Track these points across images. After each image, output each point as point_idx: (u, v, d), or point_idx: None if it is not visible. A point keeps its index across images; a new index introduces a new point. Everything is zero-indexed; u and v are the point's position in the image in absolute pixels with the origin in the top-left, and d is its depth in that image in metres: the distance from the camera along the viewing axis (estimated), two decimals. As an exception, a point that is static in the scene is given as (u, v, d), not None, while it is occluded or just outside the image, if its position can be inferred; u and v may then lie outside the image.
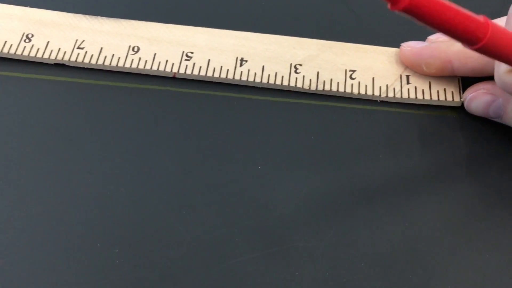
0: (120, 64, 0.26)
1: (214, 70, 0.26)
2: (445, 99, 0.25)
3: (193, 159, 0.24)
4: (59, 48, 0.26)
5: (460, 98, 0.25)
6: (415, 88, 0.26)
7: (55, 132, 0.24)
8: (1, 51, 0.26)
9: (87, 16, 0.27)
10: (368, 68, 0.26)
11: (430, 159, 0.24)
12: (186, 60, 0.26)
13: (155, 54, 0.26)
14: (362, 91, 0.26)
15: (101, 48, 0.26)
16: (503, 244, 0.22)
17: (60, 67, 0.26)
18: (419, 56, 0.25)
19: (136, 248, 0.21)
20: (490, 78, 0.24)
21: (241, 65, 0.26)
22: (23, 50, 0.26)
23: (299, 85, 0.26)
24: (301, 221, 0.22)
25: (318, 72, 0.26)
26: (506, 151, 0.24)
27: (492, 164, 0.24)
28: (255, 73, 0.26)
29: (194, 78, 0.26)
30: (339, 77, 0.26)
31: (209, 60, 0.26)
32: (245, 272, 0.21)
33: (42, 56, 0.26)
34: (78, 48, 0.26)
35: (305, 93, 0.26)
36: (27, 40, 0.26)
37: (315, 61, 0.26)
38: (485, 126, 0.25)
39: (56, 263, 0.21)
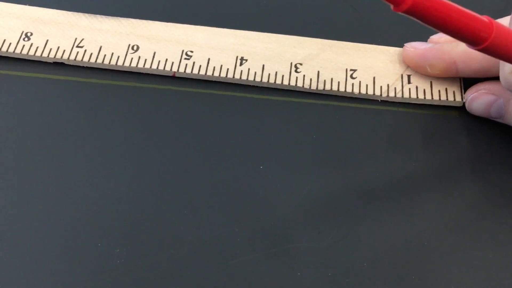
0: (120, 63, 0.26)
1: (214, 69, 0.26)
2: (447, 99, 0.25)
3: (194, 159, 0.24)
4: (58, 47, 0.26)
5: (462, 98, 0.25)
6: (416, 87, 0.25)
7: (54, 131, 0.24)
8: (0, 49, 0.26)
9: (86, 15, 0.27)
10: (369, 68, 0.26)
11: (432, 158, 0.24)
12: (185, 59, 0.26)
13: (154, 53, 0.26)
14: (363, 91, 0.25)
15: (100, 47, 0.26)
16: (506, 244, 0.22)
17: (59, 65, 0.26)
18: (423, 57, 0.25)
19: (137, 248, 0.21)
20: (494, 79, 0.24)
21: (241, 64, 0.26)
22: (22, 49, 0.26)
23: (300, 84, 0.26)
24: (303, 221, 0.22)
25: (318, 72, 0.26)
26: (508, 151, 0.24)
27: (494, 164, 0.24)
28: (255, 72, 0.26)
29: (194, 77, 0.26)
30: (340, 77, 0.26)
31: (209, 59, 0.26)
32: (247, 272, 0.21)
33: (41, 55, 0.26)
34: (77, 46, 0.26)
35: (307, 92, 0.26)
36: (26, 39, 0.26)
37: (316, 60, 0.26)
38: (487, 126, 0.25)
39: (57, 262, 0.21)
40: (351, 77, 0.26)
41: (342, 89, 0.25)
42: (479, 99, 0.24)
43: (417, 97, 0.25)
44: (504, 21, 0.22)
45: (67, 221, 0.22)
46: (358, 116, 0.25)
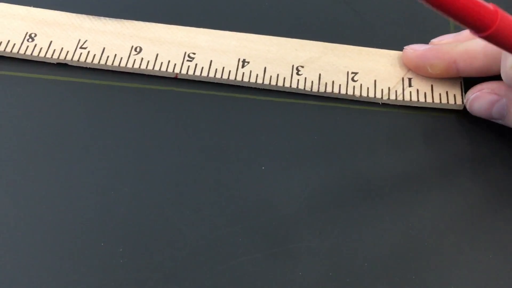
0: (123, 64, 0.26)
1: (216, 71, 0.26)
2: (447, 102, 0.25)
3: (196, 159, 0.24)
4: (62, 48, 0.26)
5: (463, 101, 0.25)
6: (417, 91, 0.26)
7: (58, 132, 0.24)
8: (4, 50, 0.26)
9: (90, 17, 0.28)
10: (370, 71, 0.26)
11: (433, 159, 0.24)
12: (188, 61, 0.26)
13: (157, 55, 0.26)
14: (364, 94, 0.26)
15: (104, 48, 0.26)
16: (507, 244, 0.22)
17: (62, 66, 0.26)
18: (423, 58, 0.25)
19: (140, 248, 0.21)
20: (495, 78, 0.24)
21: (243, 66, 0.26)
22: (26, 50, 0.26)
23: (301, 87, 0.26)
24: (304, 221, 0.22)
25: (320, 74, 0.26)
26: (508, 152, 0.24)
27: (495, 165, 0.24)
28: (257, 75, 0.26)
29: (196, 79, 0.26)
30: (341, 79, 0.26)
31: (211, 61, 0.26)
32: (248, 272, 0.21)
33: (45, 56, 0.26)
34: (81, 48, 0.26)
35: (308, 94, 0.26)
36: (30, 40, 0.26)
37: (317, 63, 0.26)
38: (487, 127, 0.25)
39: (60, 262, 0.21)
40: (352, 80, 0.26)
41: (343, 91, 0.26)
42: (481, 98, 0.24)
43: (418, 100, 0.25)
44: None
45: (71, 221, 0.22)
46: (359, 117, 0.25)
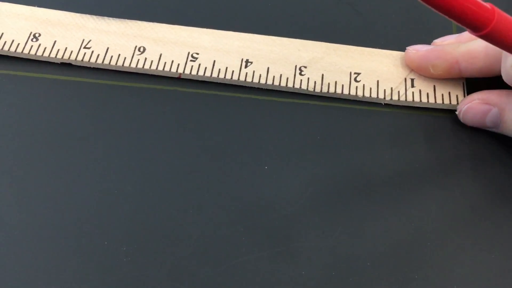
0: (126, 64, 0.26)
1: (219, 71, 0.26)
2: (450, 103, 0.25)
3: (200, 159, 0.24)
4: (66, 48, 0.26)
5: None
6: (420, 91, 0.26)
7: (61, 131, 0.25)
8: (9, 50, 0.26)
9: (94, 17, 0.28)
10: (372, 71, 0.26)
11: (435, 159, 0.24)
12: (191, 61, 0.26)
13: (160, 55, 0.26)
14: (367, 94, 0.26)
15: (107, 48, 0.26)
16: (510, 244, 0.22)
17: (66, 66, 0.26)
18: (426, 58, 0.25)
19: (144, 246, 0.22)
20: (496, 83, 0.24)
21: (246, 66, 0.26)
22: (30, 49, 0.26)
23: (304, 87, 0.26)
24: (307, 220, 0.22)
25: (322, 75, 0.26)
26: (509, 152, 0.24)
27: (496, 164, 0.24)
28: (260, 75, 0.26)
29: (199, 79, 0.26)
30: (344, 80, 0.26)
31: (214, 61, 0.26)
32: (252, 271, 0.21)
33: (49, 56, 0.26)
34: (85, 47, 0.26)
35: (311, 94, 0.26)
36: (34, 39, 0.27)
37: (320, 64, 0.26)
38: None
39: (64, 260, 0.21)
40: (355, 80, 0.26)
41: (346, 92, 0.26)
42: (473, 109, 0.24)
43: (421, 100, 0.25)
44: None
45: (75, 220, 0.22)
46: (361, 117, 0.25)
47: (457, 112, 0.25)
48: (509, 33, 0.17)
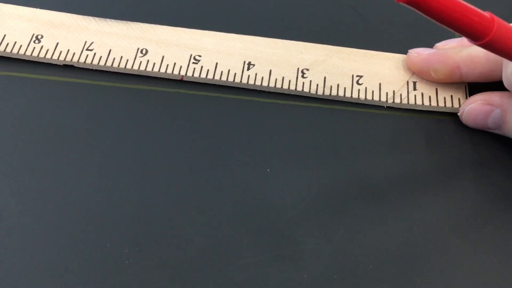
0: (129, 66, 0.26)
1: (221, 74, 0.26)
2: (452, 106, 0.25)
3: (202, 161, 0.24)
4: (68, 50, 0.26)
5: (467, 105, 0.25)
6: (422, 94, 0.26)
7: (64, 133, 0.25)
8: (11, 51, 0.26)
9: (96, 18, 0.28)
10: (375, 74, 0.26)
11: (436, 162, 0.24)
12: (194, 63, 0.26)
13: (163, 57, 0.26)
14: (369, 97, 0.26)
15: (110, 50, 0.27)
16: (510, 248, 0.22)
17: (69, 68, 0.26)
18: (427, 62, 0.25)
19: (145, 249, 0.22)
20: (497, 85, 0.24)
21: (248, 69, 0.26)
22: (32, 51, 0.26)
23: (306, 89, 0.26)
24: (309, 223, 0.22)
25: (325, 77, 0.26)
26: (510, 155, 0.24)
27: (498, 167, 0.24)
28: (262, 77, 0.26)
29: (202, 81, 0.26)
30: (346, 83, 0.26)
31: (216, 63, 0.26)
32: (254, 274, 0.21)
33: (51, 57, 0.26)
34: (87, 49, 0.26)
35: (313, 96, 0.26)
36: (36, 41, 0.27)
37: (322, 66, 0.26)
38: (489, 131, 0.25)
39: (65, 263, 0.21)
40: (357, 83, 0.26)
41: (348, 95, 0.26)
42: (475, 110, 0.24)
43: (423, 103, 0.25)
44: None
45: (76, 222, 0.22)
46: (363, 120, 0.25)
47: (459, 114, 0.25)
48: (508, 42, 0.17)
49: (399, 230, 0.22)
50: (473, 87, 0.26)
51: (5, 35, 0.27)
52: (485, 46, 0.17)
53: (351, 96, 0.26)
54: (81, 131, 0.25)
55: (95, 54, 0.26)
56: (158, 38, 0.27)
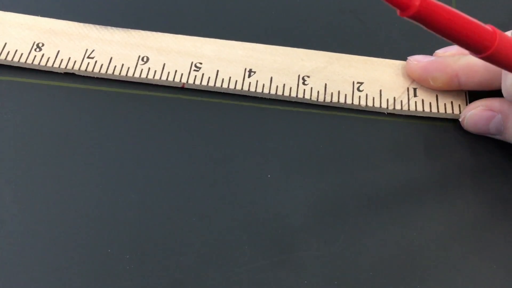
0: (130, 74, 0.26)
1: (222, 81, 0.26)
2: (452, 112, 0.25)
3: (203, 167, 0.24)
4: (69, 58, 0.26)
5: (467, 111, 0.25)
6: (422, 101, 0.26)
7: (65, 139, 0.25)
8: (12, 59, 0.26)
9: (97, 26, 0.28)
10: (375, 81, 0.26)
11: (437, 169, 0.24)
12: (195, 70, 0.26)
13: (164, 65, 0.26)
14: (370, 103, 0.26)
15: (111, 58, 0.27)
16: (511, 255, 0.22)
17: (70, 75, 0.26)
18: (426, 70, 0.25)
19: (146, 254, 0.22)
20: (497, 92, 0.24)
21: (249, 76, 0.26)
22: (33, 59, 0.26)
23: (307, 96, 0.26)
24: (310, 229, 0.22)
25: (326, 84, 0.26)
26: (510, 162, 0.24)
27: (499, 174, 0.24)
28: (263, 84, 0.26)
29: (203, 89, 0.26)
30: (347, 89, 0.26)
31: (217, 71, 0.26)
32: (254, 280, 0.21)
33: (52, 65, 0.26)
34: (88, 57, 0.26)
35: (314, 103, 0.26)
36: (37, 49, 0.27)
37: (323, 73, 0.27)
38: (490, 137, 0.25)
39: (67, 268, 0.21)
40: (358, 89, 0.26)
41: (349, 101, 0.26)
42: (477, 115, 0.24)
43: (423, 110, 0.26)
44: (509, 34, 0.23)
45: (78, 227, 0.22)
46: (364, 127, 0.25)
47: (460, 119, 0.25)
48: (510, 55, 0.17)
49: (399, 236, 0.22)
50: (474, 94, 0.26)
51: (6, 43, 0.27)
52: (487, 59, 0.17)
53: (352, 103, 0.26)
54: (82, 137, 0.25)
55: (96, 62, 0.26)
56: (159, 46, 0.27)
